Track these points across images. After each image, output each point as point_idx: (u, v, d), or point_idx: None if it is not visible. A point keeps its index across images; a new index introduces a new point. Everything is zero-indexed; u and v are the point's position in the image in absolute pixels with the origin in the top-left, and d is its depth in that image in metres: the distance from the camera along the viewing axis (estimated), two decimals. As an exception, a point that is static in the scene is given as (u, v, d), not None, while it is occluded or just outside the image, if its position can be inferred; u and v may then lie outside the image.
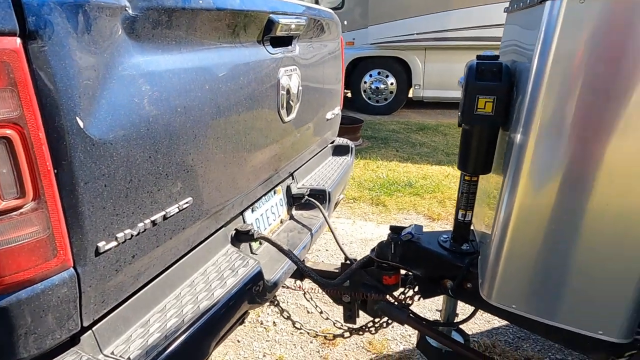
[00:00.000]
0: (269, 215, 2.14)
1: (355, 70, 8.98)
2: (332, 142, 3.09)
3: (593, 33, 1.10)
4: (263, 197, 2.08)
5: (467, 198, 1.72)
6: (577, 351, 1.49)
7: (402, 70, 8.77)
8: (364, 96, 9.19)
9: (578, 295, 1.29)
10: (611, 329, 1.29)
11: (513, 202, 1.33)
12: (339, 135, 3.30)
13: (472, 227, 1.82)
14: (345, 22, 8.50)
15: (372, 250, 1.98)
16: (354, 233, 3.96)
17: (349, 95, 9.28)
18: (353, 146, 3.13)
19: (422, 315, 2.19)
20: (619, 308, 1.26)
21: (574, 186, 1.22)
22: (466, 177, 1.69)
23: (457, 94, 8.47)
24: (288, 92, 1.88)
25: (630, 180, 1.16)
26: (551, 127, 1.23)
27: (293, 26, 1.83)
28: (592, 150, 1.18)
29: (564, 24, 1.12)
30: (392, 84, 8.93)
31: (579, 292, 1.28)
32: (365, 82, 9.07)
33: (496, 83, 1.46)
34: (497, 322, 2.70)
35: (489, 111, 1.48)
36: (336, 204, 2.95)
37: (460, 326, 1.95)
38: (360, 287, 1.98)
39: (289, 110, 1.93)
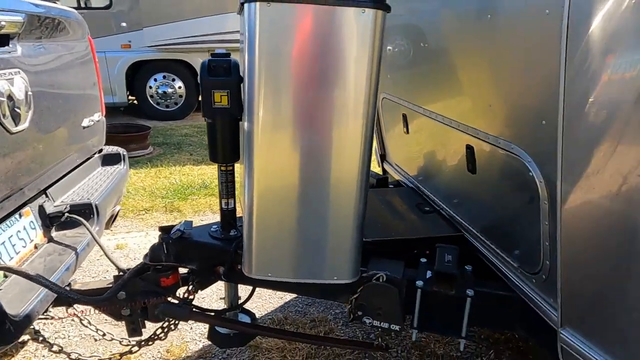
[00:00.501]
0: (14, 242, 1.85)
1: (138, 74, 8.40)
2: (100, 152, 2.85)
3: (282, 31, 1.31)
4: (1, 223, 1.78)
5: (226, 187, 1.83)
6: (330, 299, 1.77)
7: (190, 73, 8.62)
8: (151, 102, 8.68)
9: (310, 252, 1.53)
10: (342, 273, 1.58)
11: (252, 184, 1.48)
12: (124, 145, 3.07)
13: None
14: (124, 24, 7.87)
15: (145, 255, 1.93)
16: (148, 245, 3.74)
17: (135, 102, 8.64)
18: (125, 153, 2.95)
19: (210, 307, 2.25)
20: (343, 254, 1.55)
21: (291, 164, 1.44)
22: (222, 168, 1.80)
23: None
24: (10, 98, 1.64)
25: (334, 155, 1.44)
26: (268, 115, 1.41)
27: (3, 23, 1.60)
28: (300, 136, 1.41)
29: (261, 23, 1.31)
30: (180, 87, 8.69)
31: (310, 249, 1.53)
32: (150, 87, 8.58)
33: (227, 78, 1.59)
34: (289, 296, 2.97)
35: (225, 104, 1.60)
36: (113, 217, 2.75)
37: (250, 308, 2.08)
38: (138, 296, 1.90)
39: (16, 119, 1.70)
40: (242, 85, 1.57)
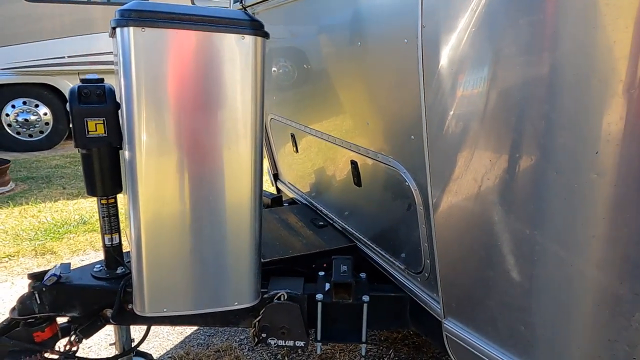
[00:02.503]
0: None
1: (-10, 100, 7.33)
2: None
3: (159, 56, 1.28)
4: None
5: (109, 221, 1.69)
6: (233, 326, 1.72)
7: (56, 98, 7.77)
8: (9, 131, 7.62)
9: (207, 279, 1.49)
10: (243, 297, 1.56)
11: (138, 214, 1.40)
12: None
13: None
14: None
15: (12, 309, 1.68)
16: (15, 296, 3.24)
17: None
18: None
19: (99, 357, 2.03)
20: (242, 278, 1.53)
21: (179, 191, 1.40)
22: (102, 201, 1.66)
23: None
24: None
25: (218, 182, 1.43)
26: (151, 142, 1.36)
27: None
28: (186, 161, 1.38)
29: (136, 49, 1.26)
30: (45, 114, 7.78)
31: (207, 277, 1.49)
32: (7, 115, 7.53)
33: (102, 105, 1.49)
34: (189, 330, 2.81)
35: (102, 133, 1.49)
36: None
37: (147, 349, 1.92)
38: (6, 358, 1.64)
39: None
40: (119, 112, 1.48)
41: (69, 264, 1.75)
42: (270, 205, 2.51)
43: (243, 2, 2.34)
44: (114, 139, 1.51)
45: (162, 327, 2.88)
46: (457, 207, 1.23)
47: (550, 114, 0.95)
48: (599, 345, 1.00)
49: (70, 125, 1.49)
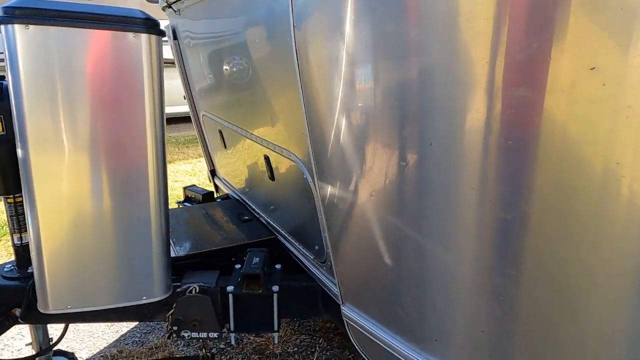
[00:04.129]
0: None
1: None
2: None
3: (45, 53, 1.28)
4: None
5: (17, 220, 1.68)
6: (148, 320, 1.74)
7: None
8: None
9: (111, 275, 1.50)
10: (151, 291, 1.58)
11: (35, 212, 1.40)
12: None
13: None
14: None
15: None
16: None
17: None
18: None
19: (14, 357, 2.00)
20: (149, 273, 1.56)
21: (75, 187, 1.40)
22: (9, 200, 1.64)
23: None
24: None
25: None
26: (42, 138, 1.36)
27: None
28: (81, 157, 1.39)
29: (21, 46, 1.25)
30: None
31: (111, 272, 1.50)
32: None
33: (1, 102, 1.47)
34: (125, 328, 2.80)
35: (1, 131, 1.48)
36: None
37: (80, 349, 1.91)
38: None
39: None
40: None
41: (-25, 265, 1.72)
42: (201, 201, 2.53)
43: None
44: (14, 136, 1.50)
45: (98, 326, 2.85)
46: (340, 199, 1.29)
47: (407, 108, 1.02)
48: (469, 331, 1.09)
49: (-35, 123, 1.46)
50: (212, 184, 3.07)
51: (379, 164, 1.15)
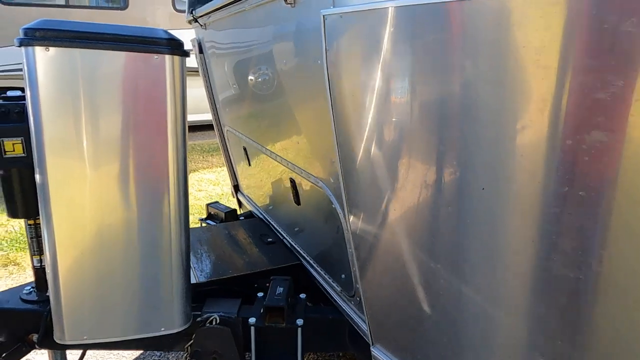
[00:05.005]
0: None
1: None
2: None
3: (66, 74, 1.22)
4: None
5: (37, 242, 1.63)
6: (165, 350, 1.67)
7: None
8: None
9: (129, 305, 1.43)
10: (170, 322, 1.50)
11: (53, 238, 1.34)
12: None
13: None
14: None
15: None
16: (-28, 310, 3.14)
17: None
18: None
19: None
20: (168, 303, 1.48)
21: (95, 212, 1.34)
22: (29, 222, 1.60)
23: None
24: None
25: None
26: (61, 162, 1.30)
27: None
28: (101, 182, 1.33)
29: (40, 68, 1.20)
30: None
31: (128, 302, 1.43)
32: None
33: (21, 124, 1.43)
34: (145, 345, 2.75)
35: (20, 153, 1.44)
36: None
37: None
38: None
39: None
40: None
41: (-5, 285, 1.68)
42: (224, 219, 2.46)
43: (193, 13, 2.28)
44: (33, 159, 1.46)
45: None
46: (373, 234, 1.18)
47: (458, 134, 0.91)
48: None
49: (-14, 146, 1.43)
50: (235, 199, 3.00)
51: (416, 201, 1.04)
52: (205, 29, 2.26)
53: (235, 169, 2.83)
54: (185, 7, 2.51)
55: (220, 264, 1.88)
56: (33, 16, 6.31)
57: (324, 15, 1.02)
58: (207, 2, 2.23)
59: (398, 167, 1.05)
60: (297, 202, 1.75)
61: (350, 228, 1.24)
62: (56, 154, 1.28)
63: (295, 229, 1.96)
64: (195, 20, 2.31)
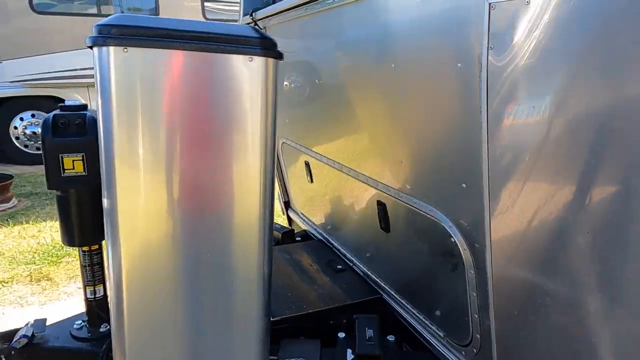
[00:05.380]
0: None
1: (-2, 113, 7.26)
2: None
3: (146, 78, 1.02)
4: None
5: (92, 271, 1.44)
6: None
7: (64, 111, 7.66)
8: (17, 144, 7.51)
9: (202, 345, 1.21)
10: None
11: (120, 270, 1.13)
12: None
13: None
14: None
15: (-24, 375, 1.42)
16: (5, 328, 3.00)
17: (-5, 144, 7.40)
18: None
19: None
20: (247, 343, 1.25)
21: (169, 237, 1.13)
22: (84, 248, 1.41)
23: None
24: None
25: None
26: (134, 180, 1.09)
27: None
28: (178, 200, 1.12)
29: (117, 71, 1.00)
30: (53, 127, 7.65)
31: (202, 341, 1.21)
32: (16, 128, 7.43)
33: (81, 138, 1.24)
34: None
35: (81, 171, 1.24)
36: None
37: None
38: None
39: None
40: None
41: (44, 320, 1.49)
42: (280, 240, 2.24)
43: (253, 15, 2.09)
44: (96, 178, 1.26)
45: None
46: (527, 280, 0.94)
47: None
48: None
49: (44, 161, 1.24)
50: (285, 216, 2.78)
51: (588, 246, 0.79)
52: (266, 32, 2.06)
53: (287, 185, 2.62)
54: (240, 11, 2.32)
55: (291, 296, 1.65)
56: (66, 26, 6.32)
57: (490, 4, 0.80)
58: (269, 4, 2.04)
59: (574, 199, 0.81)
60: (385, 228, 1.51)
61: (487, 270, 1.00)
62: (129, 172, 1.07)
63: (377, 258, 1.72)
64: (255, 22, 2.12)
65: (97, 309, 1.48)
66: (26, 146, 7.52)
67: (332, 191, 1.98)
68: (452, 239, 1.14)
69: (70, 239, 1.31)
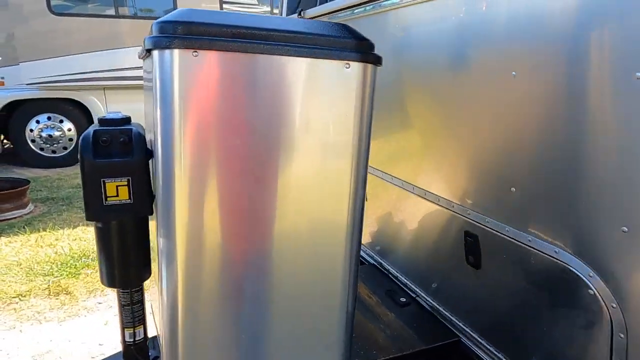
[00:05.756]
0: None
1: (15, 116, 7.16)
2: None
3: (217, 90, 0.81)
4: None
5: (132, 311, 1.23)
6: None
7: (80, 114, 7.55)
8: (33, 147, 7.42)
9: None
10: None
11: (175, 310, 0.92)
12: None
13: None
14: (-1, 58, 6.71)
15: None
16: (23, 348, 2.82)
17: (10, 146, 7.31)
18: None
19: None
20: None
21: (238, 281, 0.92)
22: (124, 285, 1.20)
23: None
24: None
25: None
26: (198, 207, 0.89)
27: None
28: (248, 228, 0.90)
29: (182, 79, 0.79)
30: (69, 129, 7.56)
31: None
32: (31, 130, 7.34)
33: (128, 158, 1.03)
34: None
35: (126, 198, 1.03)
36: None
37: None
38: None
39: None
40: (152, 164, 1.03)
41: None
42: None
43: (302, 13, 1.88)
44: (144, 206, 1.05)
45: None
46: None
47: None
48: None
49: (83, 188, 1.03)
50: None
51: None
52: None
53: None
54: (282, 7, 2.11)
55: (357, 337, 1.42)
56: (83, 27, 6.18)
57: None
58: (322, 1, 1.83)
59: None
60: (475, 264, 1.28)
61: (629, 334, 0.76)
62: (194, 198, 0.86)
63: (454, 293, 1.49)
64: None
65: (137, 355, 1.27)
66: (42, 149, 7.42)
67: (395, 213, 1.76)
68: (590, 291, 0.91)
69: (110, 279, 1.10)
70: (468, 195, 1.25)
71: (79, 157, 1.03)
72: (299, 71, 0.81)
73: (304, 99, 0.83)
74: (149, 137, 1.07)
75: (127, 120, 1.10)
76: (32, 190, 5.80)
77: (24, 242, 4.33)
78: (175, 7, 7.70)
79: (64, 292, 3.47)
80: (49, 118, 7.38)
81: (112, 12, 7.43)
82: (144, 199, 1.04)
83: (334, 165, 0.89)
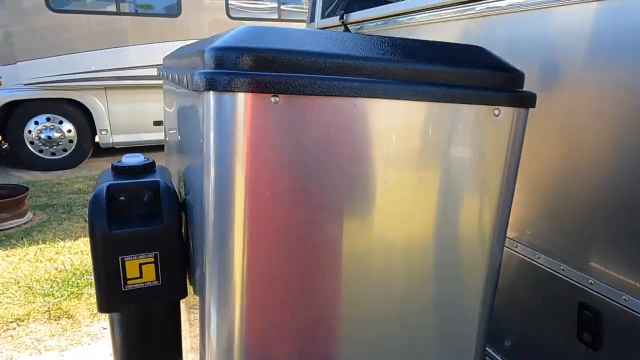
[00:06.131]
0: None
1: (13, 117, 6.89)
2: None
3: (304, 148, 0.54)
4: None
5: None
6: None
7: (81, 114, 7.28)
8: (31, 149, 7.15)
9: None
10: None
11: None
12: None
13: None
14: (-9, 56, 6.42)
15: None
16: (20, 383, 2.56)
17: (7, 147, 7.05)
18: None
19: None
20: None
21: None
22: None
23: (152, 136, 7.68)
24: None
25: None
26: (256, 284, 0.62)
27: None
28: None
29: (256, 133, 0.52)
30: (69, 131, 7.29)
31: None
32: (30, 132, 7.07)
33: (155, 226, 0.75)
34: None
35: (153, 280, 0.76)
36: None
37: None
38: None
39: None
40: (185, 224, 0.76)
41: None
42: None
43: (344, 18, 1.60)
44: (175, 288, 0.78)
45: None
46: None
47: None
48: None
49: (94, 271, 0.76)
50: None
51: None
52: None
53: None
54: (317, 9, 1.84)
55: None
56: (82, 24, 5.88)
57: None
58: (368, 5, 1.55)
59: None
60: (592, 344, 1.01)
61: None
62: (260, 279, 0.59)
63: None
64: (345, 26, 1.63)
65: None
66: (41, 151, 7.15)
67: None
68: None
69: (131, 381, 0.83)
70: (586, 261, 0.97)
71: (88, 225, 0.75)
72: (428, 117, 0.53)
73: (434, 152, 0.55)
74: (175, 182, 0.80)
75: (150, 166, 0.83)
76: (31, 196, 5.53)
77: (22, 257, 4.06)
78: (179, 3, 7.39)
79: (66, 315, 3.20)
80: (48, 119, 7.11)
81: (113, 8, 7.13)
82: (177, 278, 0.77)
83: (468, 239, 0.62)
